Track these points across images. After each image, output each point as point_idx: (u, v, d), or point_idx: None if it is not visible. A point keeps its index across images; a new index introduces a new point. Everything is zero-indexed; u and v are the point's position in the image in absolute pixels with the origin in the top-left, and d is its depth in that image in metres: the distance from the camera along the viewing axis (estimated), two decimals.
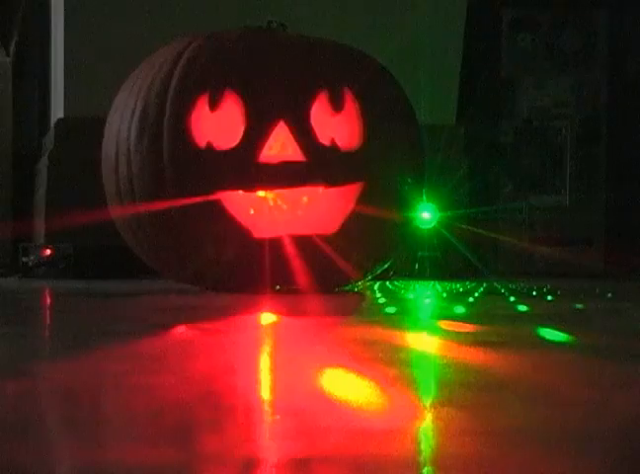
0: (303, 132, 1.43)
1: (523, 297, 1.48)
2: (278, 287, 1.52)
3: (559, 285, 1.96)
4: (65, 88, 2.41)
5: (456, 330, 0.93)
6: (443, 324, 1.02)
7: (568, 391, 0.54)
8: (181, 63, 1.45)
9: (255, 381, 0.58)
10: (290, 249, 1.43)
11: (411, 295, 1.60)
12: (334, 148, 1.46)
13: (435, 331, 0.94)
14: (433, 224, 2.17)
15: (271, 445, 0.39)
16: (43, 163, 2.43)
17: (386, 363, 0.66)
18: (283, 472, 0.34)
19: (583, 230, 2.74)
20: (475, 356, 0.71)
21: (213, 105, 1.42)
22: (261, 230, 1.44)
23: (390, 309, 1.22)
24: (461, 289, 1.76)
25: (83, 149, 2.09)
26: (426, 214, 2.13)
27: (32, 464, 0.35)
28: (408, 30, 2.42)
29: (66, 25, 2.40)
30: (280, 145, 1.43)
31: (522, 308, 1.22)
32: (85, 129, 2.20)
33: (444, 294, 1.60)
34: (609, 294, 1.65)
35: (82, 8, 2.39)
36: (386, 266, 1.61)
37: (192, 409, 0.47)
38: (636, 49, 2.81)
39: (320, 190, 1.46)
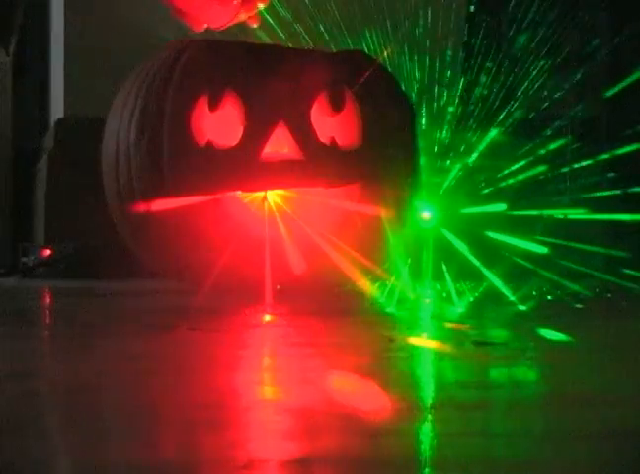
0: (303, 132, 1.43)
1: (523, 297, 1.48)
2: (278, 287, 1.52)
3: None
4: (65, 88, 2.41)
5: (456, 330, 0.93)
6: (443, 324, 1.02)
7: (568, 391, 0.54)
8: (181, 63, 1.44)
9: (255, 381, 0.58)
10: (290, 248, 1.43)
11: (411, 295, 1.60)
12: (334, 148, 1.45)
13: (435, 331, 0.94)
14: (433, 224, 2.16)
15: (271, 445, 0.39)
16: (43, 163, 2.43)
17: (386, 363, 0.66)
18: (283, 472, 0.34)
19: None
20: (475, 357, 0.71)
21: (213, 105, 1.42)
22: (261, 229, 1.44)
23: (390, 309, 1.22)
24: (461, 289, 1.76)
25: (83, 149, 2.09)
26: (426, 214, 2.13)
27: (32, 463, 0.35)
28: (408, 30, 2.42)
29: (66, 24, 2.40)
30: (279, 145, 1.43)
31: (522, 308, 1.22)
32: (85, 129, 2.19)
33: (444, 294, 1.60)
34: (609, 294, 1.65)
35: (82, 8, 2.39)
36: (386, 265, 1.61)
37: (192, 409, 0.47)
38: (636, 49, 2.81)
39: (320, 189, 1.46)
